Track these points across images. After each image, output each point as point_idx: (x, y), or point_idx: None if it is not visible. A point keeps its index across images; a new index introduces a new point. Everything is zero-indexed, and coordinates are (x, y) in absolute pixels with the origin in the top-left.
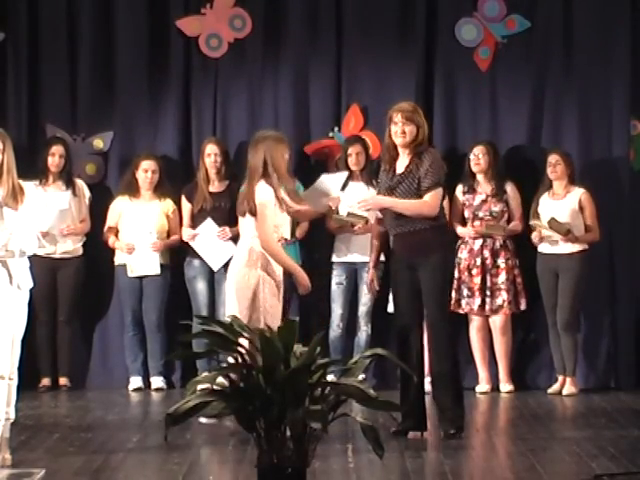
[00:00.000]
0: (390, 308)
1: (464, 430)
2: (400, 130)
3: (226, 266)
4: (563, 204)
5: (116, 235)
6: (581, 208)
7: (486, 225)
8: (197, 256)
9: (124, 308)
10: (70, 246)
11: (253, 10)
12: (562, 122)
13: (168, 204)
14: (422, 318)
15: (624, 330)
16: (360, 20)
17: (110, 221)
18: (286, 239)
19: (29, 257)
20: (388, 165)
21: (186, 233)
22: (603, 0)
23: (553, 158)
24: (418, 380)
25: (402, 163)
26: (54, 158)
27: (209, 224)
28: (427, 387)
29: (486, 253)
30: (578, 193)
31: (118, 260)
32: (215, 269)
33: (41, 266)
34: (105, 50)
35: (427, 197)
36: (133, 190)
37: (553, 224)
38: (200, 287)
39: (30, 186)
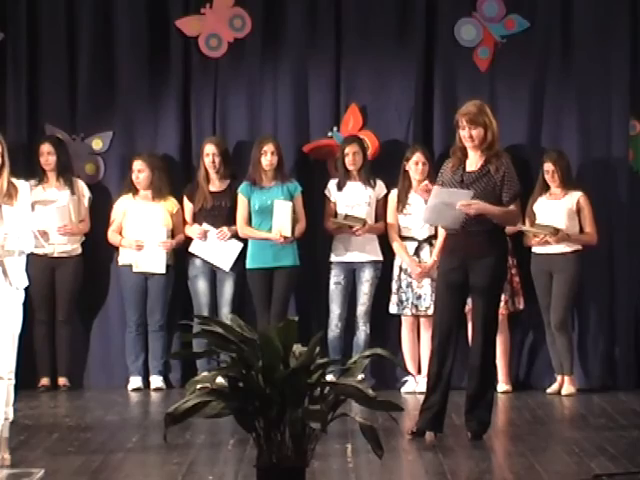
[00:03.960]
0: (392, 309)
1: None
2: (467, 135)
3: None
4: (560, 204)
5: (119, 234)
6: (578, 210)
7: None
8: (198, 256)
9: (128, 308)
10: (69, 246)
11: (253, 10)
12: (561, 122)
13: (172, 203)
14: (462, 318)
15: (623, 330)
16: (359, 20)
17: (115, 220)
18: (285, 237)
19: (27, 256)
20: (457, 162)
21: (195, 230)
22: (602, 0)
23: (549, 167)
24: (449, 381)
25: (473, 162)
26: (43, 157)
27: (206, 228)
28: (423, 387)
29: None
30: (576, 195)
31: (123, 260)
32: (227, 269)
33: (39, 265)
34: (104, 50)
35: (513, 207)
36: (133, 190)
37: (537, 227)
38: (201, 286)
39: (25, 184)
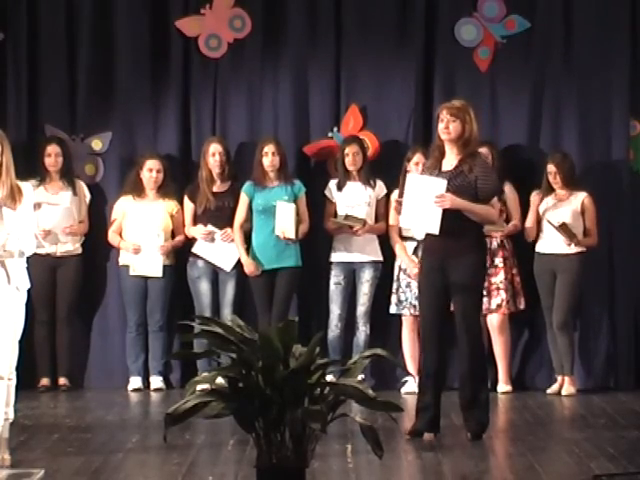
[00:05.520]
0: (392, 309)
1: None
2: (444, 126)
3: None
4: (565, 205)
5: (119, 235)
6: (582, 211)
7: None
8: (201, 256)
9: (128, 308)
10: (70, 246)
11: (253, 10)
12: (562, 122)
13: (172, 204)
14: (447, 318)
15: (623, 331)
16: (359, 20)
17: (116, 221)
18: (289, 238)
19: (27, 257)
20: (435, 162)
21: (200, 231)
22: (603, 0)
23: (552, 169)
24: (438, 380)
25: (449, 162)
26: (50, 158)
27: (210, 230)
28: (414, 387)
29: None
30: (581, 196)
31: (123, 260)
32: (228, 270)
33: (41, 265)
34: (104, 50)
35: (492, 204)
36: (138, 190)
37: (564, 228)
38: (204, 287)
39: (28, 186)
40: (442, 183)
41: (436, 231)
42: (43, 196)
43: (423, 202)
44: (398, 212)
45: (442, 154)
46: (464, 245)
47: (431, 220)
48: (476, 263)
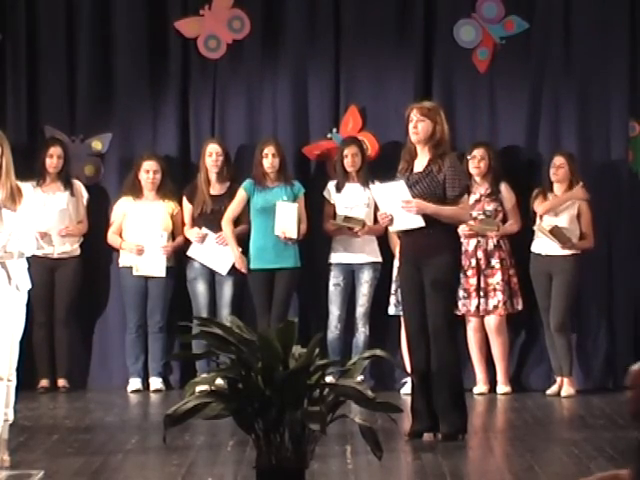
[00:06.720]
0: (391, 310)
1: (466, 432)
2: (413, 125)
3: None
4: (562, 208)
5: (119, 236)
6: (578, 214)
7: (480, 221)
8: (196, 259)
9: (128, 309)
10: (68, 247)
11: (252, 11)
12: (561, 123)
13: (171, 205)
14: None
15: (622, 331)
16: (359, 21)
17: (115, 222)
18: (290, 238)
19: (27, 258)
20: (406, 165)
21: (194, 233)
22: (602, 1)
23: (558, 160)
24: (429, 381)
25: (420, 163)
26: (52, 159)
27: (205, 232)
28: (408, 389)
29: (480, 254)
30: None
31: (124, 262)
32: (224, 273)
33: (39, 266)
34: (104, 51)
35: (462, 204)
36: (136, 191)
37: (556, 232)
38: (200, 289)
39: (28, 187)
40: (401, 184)
41: (422, 223)
42: (40, 197)
43: (395, 206)
44: (384, 224)
45: (413, 156)
46: (437, 245)
47: (411, 217)
48: (449, 263)
